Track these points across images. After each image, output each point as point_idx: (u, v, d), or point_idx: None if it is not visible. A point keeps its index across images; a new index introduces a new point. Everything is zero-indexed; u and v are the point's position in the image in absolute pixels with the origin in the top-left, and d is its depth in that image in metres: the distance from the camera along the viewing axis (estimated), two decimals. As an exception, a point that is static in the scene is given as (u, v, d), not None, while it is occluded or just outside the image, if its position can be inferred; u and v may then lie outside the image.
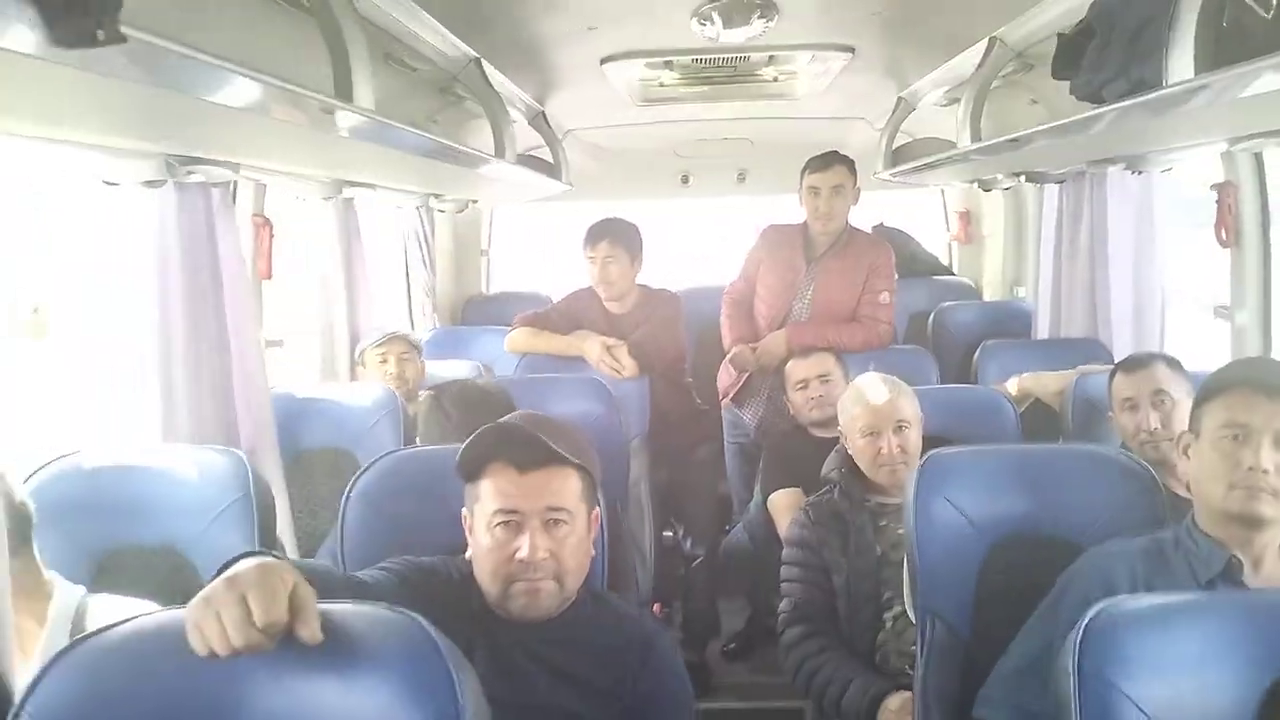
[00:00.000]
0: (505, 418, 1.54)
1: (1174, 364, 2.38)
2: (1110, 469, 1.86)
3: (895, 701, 2.06)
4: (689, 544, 3.66)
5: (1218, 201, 2.78)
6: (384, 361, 3.01)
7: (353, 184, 2.72)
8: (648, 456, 3.20)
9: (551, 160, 3.90)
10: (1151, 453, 2.25)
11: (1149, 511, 1.78)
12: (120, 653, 0.98)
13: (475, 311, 4.84)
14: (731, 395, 3.59)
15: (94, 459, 1.81)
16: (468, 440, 1.48)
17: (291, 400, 2.62)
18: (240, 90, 1.34)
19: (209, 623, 0.95)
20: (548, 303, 4.21)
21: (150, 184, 1.83)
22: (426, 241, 4.28)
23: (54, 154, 1.62)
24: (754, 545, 3.20)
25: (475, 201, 4.24)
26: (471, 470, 1.46)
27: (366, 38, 1.59)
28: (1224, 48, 1.43)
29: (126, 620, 1.02)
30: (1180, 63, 1.45)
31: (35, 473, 1.74)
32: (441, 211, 4.06)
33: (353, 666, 0.97)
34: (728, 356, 3.56)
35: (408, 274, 4.32)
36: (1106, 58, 1.68)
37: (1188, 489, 1.68)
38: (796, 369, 3.07)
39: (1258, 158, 2.68)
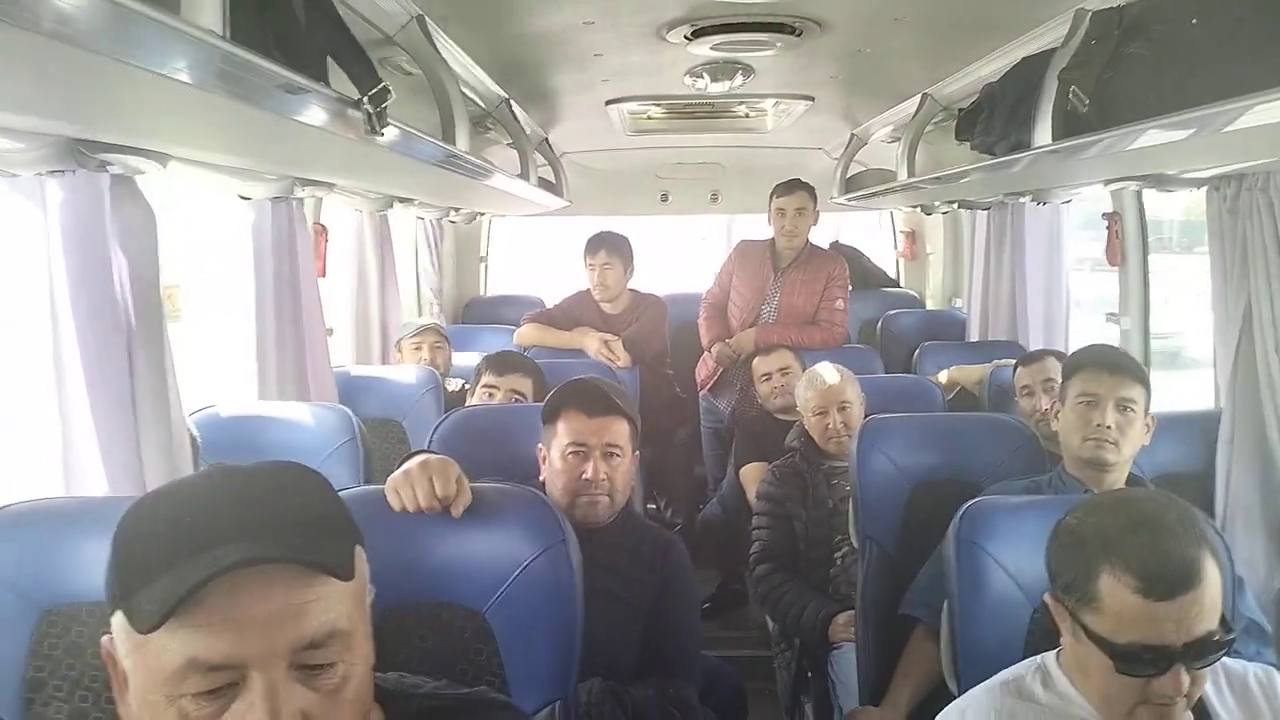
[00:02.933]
0: (576, 379, 2.02)
1: (1062, 357, 2.95)
2: (1002, 430, 2.43)
3: (843, 618, 2.61)
4: (669, 514, 4.16)
5: (1108, 228, 3.32)
6: (418, 349, 3.41)
7: (398, 199, 3.18)
8: (636, 437, 3.69)
9: (554, 180, 4.40)
10: (1044, 428, 2.71)
11: (1030, 461, 2.33)
12: (345, 508, 1.49)
13: (474, 312, 5.23)
14: (709, 387, 4.09)
15: (229, 409, 2.29)
16: (551, 392, 1.97)
17: (348, 376, 3.05)
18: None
19: (406, 490, 1.46)
20: (540, 304, 4.67)
21: (275, 200, 2.32)
22: (437, 248, 4.73)
23: (205, 176, 2.12)
24: (726, 515, 3.65)
25: (483, 214, 4.70)
26: (551, 413, 1.95)
27: (461, 96, 2.09)
28: (1070, 122, 2.00)
29: (345, 489, 1.53)
30: (1041, 132, 2.03)
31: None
32: (453, 222, 4.50)
33: (495, 518, 1.49)
34: (710, 351, 4.03)
35: (418, 276, 4.75)
36: (992, 125, 2.27)
37: None
38: (761, 364, 3.56)
39: (1138, 194, 3.19)
